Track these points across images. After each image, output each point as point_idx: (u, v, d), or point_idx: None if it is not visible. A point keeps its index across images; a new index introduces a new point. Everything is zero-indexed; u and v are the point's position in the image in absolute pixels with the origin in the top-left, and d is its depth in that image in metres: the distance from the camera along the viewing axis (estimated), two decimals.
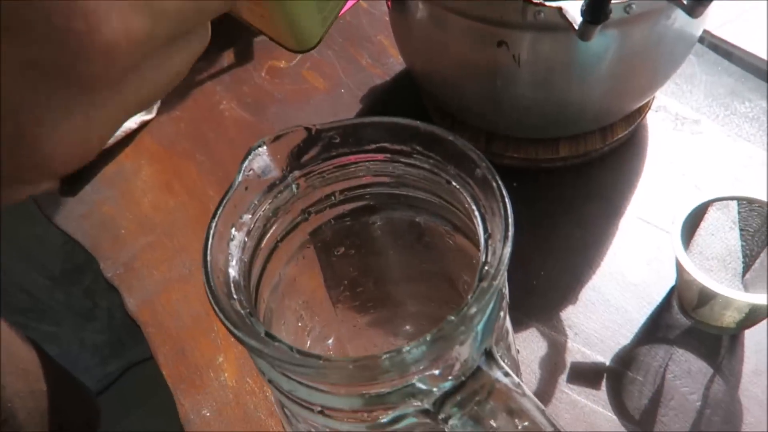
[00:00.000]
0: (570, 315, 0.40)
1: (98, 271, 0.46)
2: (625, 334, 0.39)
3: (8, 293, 0.86)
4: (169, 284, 0.45)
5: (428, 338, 0.14)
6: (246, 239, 0.18)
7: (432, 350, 0.14)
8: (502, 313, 0.18)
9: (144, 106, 0.15)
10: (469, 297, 0.15)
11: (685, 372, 0.37)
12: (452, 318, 0.14)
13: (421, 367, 0.15)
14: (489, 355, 0.16)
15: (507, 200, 0.17)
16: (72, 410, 0.55)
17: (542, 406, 0.16)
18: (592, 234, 0.44)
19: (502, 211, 0.16)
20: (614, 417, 0.36)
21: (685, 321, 0.39)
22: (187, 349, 0.42)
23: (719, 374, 0.37)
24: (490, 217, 0.17)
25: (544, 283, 0.42)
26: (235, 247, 0.17)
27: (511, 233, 0.16)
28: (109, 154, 0.53)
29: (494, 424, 0.15)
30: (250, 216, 0.18)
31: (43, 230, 0.88)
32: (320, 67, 0.57)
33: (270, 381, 0.17)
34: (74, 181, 0.52)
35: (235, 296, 0.16)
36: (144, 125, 0.55)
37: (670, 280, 0.40)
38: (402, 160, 0.19)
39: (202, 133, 0.55)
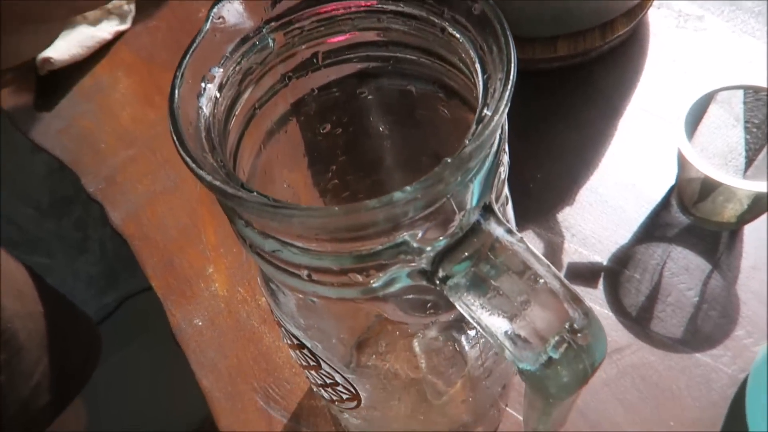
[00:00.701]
0: (567, 216, 0.39)
1: (87, 202, 0.45)
2: (622, 234, 0.38)
3: None
4: (154, 197, 0.44)
5: (422, 179, 0.13)
6: (218, 95, 0.16)
7: (424, 193, 0.13)
8: (501, 170, 0.16)
9: None
10: (466, 140, 0.13)
11: (683, 269, 0.37)
12: (449, 160, 0.13)
13: (412, 216, 0.14)
14: (488, 210, 0.15)
15: (509, 34, 0.15)
16: (72, 334, 0.55)
17: (549, 263, 0.14)
18: (590, 135, 0.43)
19: (504, 47, 0.15)
20: (611, 314, 0.36)
21: (684, 219, 0.38)
22: (175, 260, 0.41)
23: (717, 270, 0.36)
24: (489, 58, 0.15)
25: (541, 185, 0.41)
26: (206, 102, 0.16)
27: (513, 70, 0.14)
28: (83, 66, 0.51)
29: (496, 284, 0.14)
30: (222, 70, 0.16)
31: (27, 160, 0.85)
32: None
33: (251, 246, 0.16)
34: (48, 94, 0.50)
35: (207, 150, 0.15)
36: (119, 36, 0.52)
37: (670, 180, 0.39)
38: (391, 8, 0.17)
39: (181, 44, 0.52)
